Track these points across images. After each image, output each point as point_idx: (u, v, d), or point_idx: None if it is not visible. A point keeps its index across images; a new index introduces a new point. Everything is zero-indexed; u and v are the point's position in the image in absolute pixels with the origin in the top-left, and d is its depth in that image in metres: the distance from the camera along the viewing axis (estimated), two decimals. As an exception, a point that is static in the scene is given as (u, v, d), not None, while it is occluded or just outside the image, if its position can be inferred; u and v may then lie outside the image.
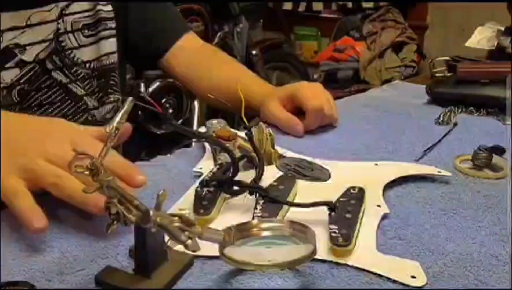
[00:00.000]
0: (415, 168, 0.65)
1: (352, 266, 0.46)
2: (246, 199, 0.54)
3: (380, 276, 0.45)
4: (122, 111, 0.46)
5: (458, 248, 0.49)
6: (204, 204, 0.53)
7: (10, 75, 0.73)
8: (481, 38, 1.32)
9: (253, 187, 0.55)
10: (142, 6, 0.93)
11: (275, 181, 0.58)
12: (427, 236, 0.51)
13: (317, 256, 0.46)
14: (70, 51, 0.80)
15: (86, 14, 0.81)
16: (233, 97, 0.74)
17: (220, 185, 0.56)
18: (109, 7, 0.84)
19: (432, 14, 3.19)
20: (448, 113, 0.87)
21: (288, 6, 3.55)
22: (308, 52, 3.56)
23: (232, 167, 0.56)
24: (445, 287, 0.44)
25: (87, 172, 0.42)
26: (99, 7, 0.82)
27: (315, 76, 3.13)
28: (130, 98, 0.47)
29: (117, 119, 0.45)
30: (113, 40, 0.84)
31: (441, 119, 0.85)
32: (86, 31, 0.81)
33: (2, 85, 0.73)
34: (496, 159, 0.66)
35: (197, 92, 0.97)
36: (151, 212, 0.40)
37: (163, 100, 2.28)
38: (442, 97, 0.94)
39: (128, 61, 0.96)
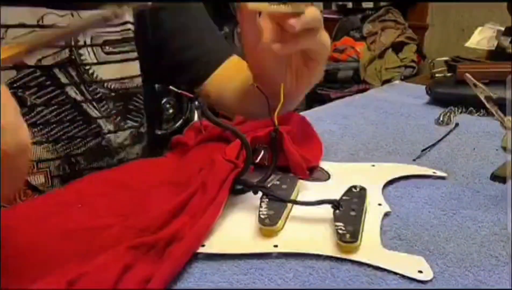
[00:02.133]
0: (411, 168, 0.65)
1: (357, 263, 0.46)
2: (254, 197, 0.55)
3: (380, 276, 0.45)
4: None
5: (458, 248, 0.49)
6: None
7: (4, 76, 0.65)
8: (481, 38, 1.32)
9: (257, 187, 0.55)
10: (181, 28, 0.82)
11: (277, 180, 0.58)
12: (427, 236, 0.51)
13: (324, 253, 0.47)
14: (89, 67, 0.71)
15: (111, 29, 0.72)
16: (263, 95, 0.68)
17: None
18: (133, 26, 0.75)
19: (432, 14, 3.19)
20: (448, 113, 0.87)
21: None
22: (308, 52, 3.56)
23: (244, 163, 0.56)
24: (445, 287, 0.44)
25: None
26: (129, 25, 0.74)
27: (315, 76, 3.13)
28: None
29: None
30: (135, 63, 0.76)
31: (441, 119, 0.85)
32: (107, 47, 0.73)
33: None
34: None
35: (234, 110, 0.79)
36: None
37: (163, 100, 2.28)
38: (442, 97, 0.94)
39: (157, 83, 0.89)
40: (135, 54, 0.76)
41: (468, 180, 0.63)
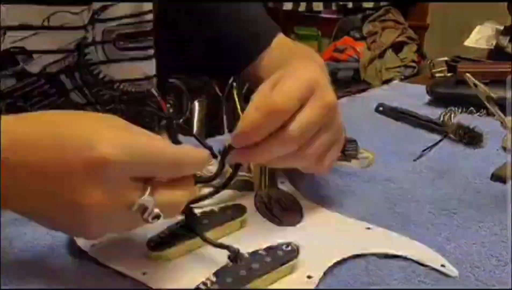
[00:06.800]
0: (410, 247, 0.48)
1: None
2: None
3: (381, 276, 0.45)
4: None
5: (458, 249, 0.49)
6: None
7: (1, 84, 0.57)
8: (480, 37, 1.32)
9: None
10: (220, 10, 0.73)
11: (229, 204, 0.52)
12: (427, 236, 0.51)
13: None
14: (95, 66, 0.63)
15: (126, 21, 0.64)
16: None
17: None
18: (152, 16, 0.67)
19: (432, 14, 3.19)
20: (448, 113, 0.87)
21: (288, 6, 3.54)
22: (308, 52, 3.56)
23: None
24: (446, 287, 0.44)
25: None
26: (145, 16, 0.65)
27: (315, 76, 3.13)
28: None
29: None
30: (150, 62, 0.68)
31: (441, 119, 0.85)
32: (121, 43, 0.64)
33: None
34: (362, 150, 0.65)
35: None
36: None
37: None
38: (442, 97, 0.94)
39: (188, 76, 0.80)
40: (152, 51, 0.67)
41: (468, 180, 0.63)
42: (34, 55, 0.59)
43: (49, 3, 0.57)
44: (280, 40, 0.76)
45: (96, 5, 0.61)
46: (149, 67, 0.68)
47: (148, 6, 0.67)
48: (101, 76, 0.64)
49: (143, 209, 0.37)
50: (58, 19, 0.58)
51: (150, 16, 0.66)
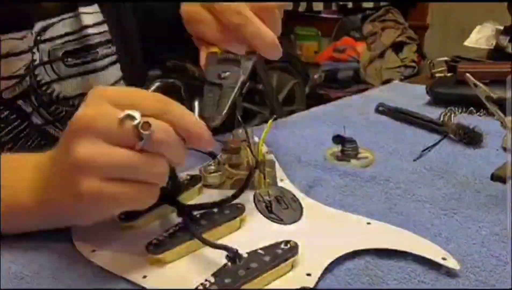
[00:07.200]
0: (412, 242, 0.49)
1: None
2: None
3: (381, 276, 0.45)
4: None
5: (458, 249, 0.49)
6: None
7: None
8: (480, 37, 1.32)
9: (178, 205, 0.49)
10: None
11: (228, 204, 0.52)
12: (427, 236, 0.51)
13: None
14: (47, 86, 0.64)
15: (69, 38, 0.65)
16: None
17: None
18: (101, 28, 0.68)
19: (432, 14, 3.20)
20: (448, 114, 0.87)
21: (288, 6, 3.55)
22: (308, 52, 3.56)
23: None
24: (446, 287, 0.44)
25: None
26: (87, 30, 0.66)
27: (315, 76, 3.14)
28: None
29: None
30: (106, 72, 0.69)
31: (441, 119, 0.85)
32: (68, 59, 0.65)
33: None
34: (362, 150, 0.69)
35: None
36: None
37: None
38: (442, 97, 0.94)
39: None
40: (100, 64, 0.68)
41: (468, 180, 0.63)
42: None
43: None
44: None
45: (37, 27, 0.62)
46: (102, 78, 0.69)
47: (89, 20, 0.67)
48: (55, 94, 0.65)
49: (131, 118, 0.40)
50: (4, 48, 0.58)
51: (92, 30, 0.67)
